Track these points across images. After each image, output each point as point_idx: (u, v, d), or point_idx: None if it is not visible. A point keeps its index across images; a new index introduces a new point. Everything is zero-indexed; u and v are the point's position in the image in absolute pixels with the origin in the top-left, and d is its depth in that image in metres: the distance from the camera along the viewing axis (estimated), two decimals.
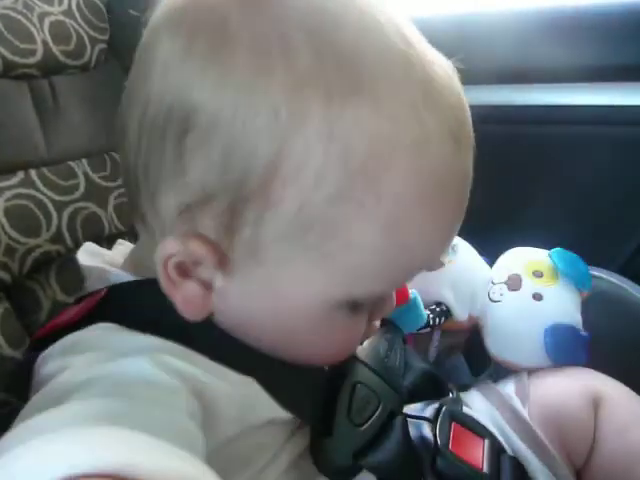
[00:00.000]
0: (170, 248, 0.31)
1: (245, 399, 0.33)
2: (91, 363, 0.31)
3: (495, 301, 0.58)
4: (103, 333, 0.34)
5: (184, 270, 0.32)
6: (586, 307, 0.62)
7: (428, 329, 0.58)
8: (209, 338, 0.34)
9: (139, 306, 0.36)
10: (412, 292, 0.53)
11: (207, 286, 0.32)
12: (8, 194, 0.44)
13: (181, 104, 0.30)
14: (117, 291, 0.37)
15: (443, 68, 0.32)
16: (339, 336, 0.35)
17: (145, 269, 0.36)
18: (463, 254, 0.63)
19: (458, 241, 0.64)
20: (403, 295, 0.50)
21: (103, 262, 0.40)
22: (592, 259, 0.71)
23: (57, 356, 0.34)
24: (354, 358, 0.42)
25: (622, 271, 0.78)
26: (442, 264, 0.40)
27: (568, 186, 0.86)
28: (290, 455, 0.37)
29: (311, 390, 0.38)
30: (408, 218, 0.30)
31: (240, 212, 0.29)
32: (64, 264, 0.48)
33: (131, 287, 0.36)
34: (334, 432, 0.37)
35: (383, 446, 0.38)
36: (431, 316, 0.57)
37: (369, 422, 0.38)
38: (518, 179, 0.87)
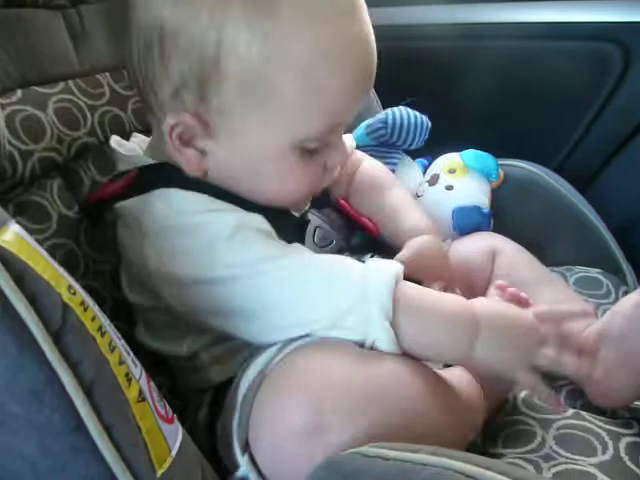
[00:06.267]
0: (170, 121, 0.48)
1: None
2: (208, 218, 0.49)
3: (419, 196, 0.76)
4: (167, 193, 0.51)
5: (185, 141, 0.49)
6: (509, 189, 0.79)
7: None
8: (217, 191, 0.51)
9: (167, 179, 0.52)
10: None
11: (202, 152, 0.50)
12: (55, 98, 0.60)
13: (156, 24, 0.46)
14: (147, 170, 0.54)
15: None
16: (299, 177, 0.51)
17: (161, 154, 0.53)
18: (403, 166, 0.81)
19: (405, 157, 0.82)
20: None
21: (126, 150, 0.57)
22: (532, 158, 0.87)
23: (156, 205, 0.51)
24: (315, 216, 0.59)
25: (560, 167, 0.94)
26: (353, 117, 0.53)
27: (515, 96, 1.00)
28: None
29: (290, 224, 0.55)
30: (318, 71, 0.45)
31: (206, 87, 0.46)
32: (98, 153, 0.64)
33: (156, 167, 0.53)
34: (305, 245, 0.54)
35: None
36: None
37: (327, 247, 0.57)
38: (468, 92, 1.01)
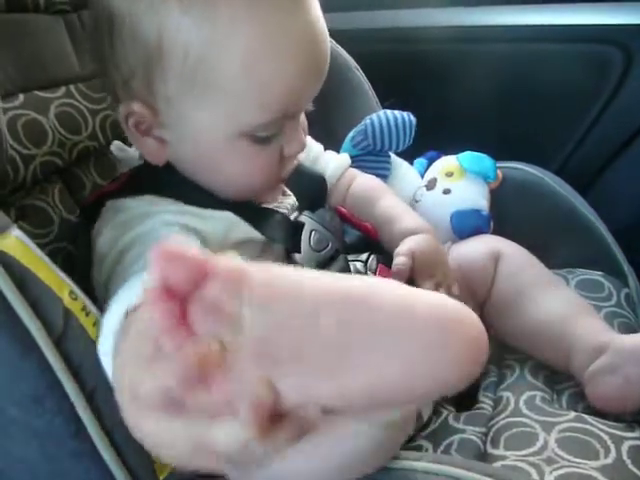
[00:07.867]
0: (123, 111, 0.49)
1: (227, 227, 0.51)
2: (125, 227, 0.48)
3: (417, 201, 0.76)
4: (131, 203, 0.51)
5: (144, 130, 0.50)
6: (509, 192, 0.79)
7: None
8: (187, 190, 0.51)
9: (151, 178, 0.53)
10: None
11: (160, 141, 0.50)
12: (57, 103, 0.60)
13: (105, 14, 0.46)
14: (136, 171, 0.55)
15: None
16: (254, 165, 0.50)
17: None
18: (398, 172, 0.81)
19: (401, 162, 0.82)
20: None
21: (126, 155, 0.58)
22: (532, 160, 0.87)
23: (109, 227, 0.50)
24: (310, 219, 0.59)
25: (560, 169, 0.94)
26: (307, 107, 0.53)
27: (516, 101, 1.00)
28: None
29: (280, 223, 0.55)
30: (258, 66, 0.45)
31: (152, 75, 0.46)
32: (99, 156, 0.64)
33: (143, 167, 0.54)
34: (302, 251, 0.54)
35: (329, 269, 0.56)
36: None
37: (324, 251, 0.56)
38: (469, 95, 1.01)
